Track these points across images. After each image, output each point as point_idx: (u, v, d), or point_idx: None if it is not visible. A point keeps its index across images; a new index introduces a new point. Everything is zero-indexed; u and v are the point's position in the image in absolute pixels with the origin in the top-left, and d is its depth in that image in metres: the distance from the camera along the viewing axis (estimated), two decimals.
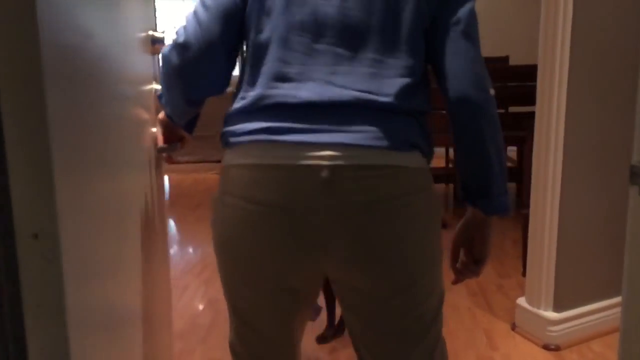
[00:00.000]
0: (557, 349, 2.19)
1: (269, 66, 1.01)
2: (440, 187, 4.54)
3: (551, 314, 2.22)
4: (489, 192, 1.07)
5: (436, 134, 4.33)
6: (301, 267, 1.03)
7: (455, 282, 1.16)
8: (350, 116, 0.98)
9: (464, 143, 1.05)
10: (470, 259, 1.13)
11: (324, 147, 0.96)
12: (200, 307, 2.57)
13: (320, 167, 0.95)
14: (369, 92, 0.98)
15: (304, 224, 0.97)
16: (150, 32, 1.30)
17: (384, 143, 0.97)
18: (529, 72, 3.41)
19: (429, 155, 1.05)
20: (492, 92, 1.03)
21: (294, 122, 0.97)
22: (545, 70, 2.13)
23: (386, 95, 0.99)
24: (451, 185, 4.50)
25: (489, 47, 5.21)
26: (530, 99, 2.42)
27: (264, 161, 0.98)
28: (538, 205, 2.20)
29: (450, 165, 4.36)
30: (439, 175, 4.39)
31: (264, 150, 0.98)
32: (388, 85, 0.99)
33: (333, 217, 0.96)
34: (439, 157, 5.36)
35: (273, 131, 0.98)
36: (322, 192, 0.96)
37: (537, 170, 2.19)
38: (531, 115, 2.25)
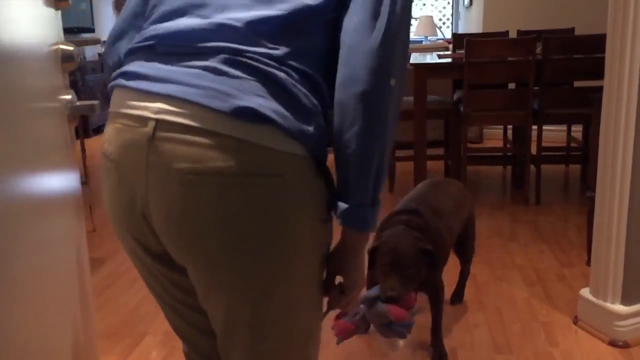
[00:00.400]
0: (625, 345, 1.99)
1: (155, 5, 0.95)
2: (497, 169, 4.31)
3: (619, 307, 2.02)
4: (349, 196, 0.87)
5: (489, 112, 4.11)
6: (148, 236, 0.90)
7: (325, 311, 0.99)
8: (196, 60, 0.84)
9: (336, 127, 0.86)
10: (338, 288, 0.95)
11: (156, 97, 0.84)
12: None
13: (146, 120, 0.84)
14: (227, 20, 0.84)
15: (131, 183, 0.86)
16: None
17: (223, 105, 0.80)
18: (597, 43, 3.15)
19: (301, 137, 0.82)
20: (392, 82, 0.84)
21: (144, 65, 0.88)
22: (614, 40, 1.91)
23: (239, 20, 0.83)
24: (509, 168, 4.27)
25: (552, 19, 4.93)
26: (598, 73, 2.21)
27: (111, 109, 0.91)
28: (605, 187, 2.00)
29: (508, 146, 4.13)
30: (496, 157, 4.17)
31: (115, 97, 0.91)
32: (250, 15, 0.84)
33: (153, 181, 0.84)
34: (496, 139, 5.11)
35: (126, 76, 0.89)
36: (147, 149, 0.83)
37: (605, 149, 1.99)
38: (598, 90, 2.05)
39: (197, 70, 0.83)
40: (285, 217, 0.83)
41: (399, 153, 3.89)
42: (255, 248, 0.83)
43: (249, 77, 0.82)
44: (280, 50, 0.83)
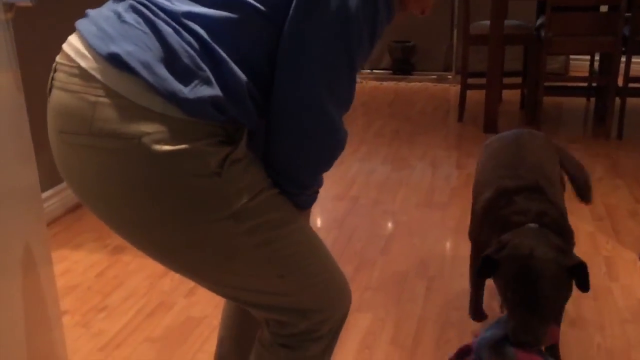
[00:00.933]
0: None
1: None
2: (580, 102, 4.03)
3: None
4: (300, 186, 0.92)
5: (574, 37, 3.78)
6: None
7: None
8: (118, 4, 0.83)
9: (274, 136, 0.87)
10: None
11: (79, 35, 0.83)
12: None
13: (62, 57, 0.84)
14: None
15: (54, 140, 0.86)
16: None
17: (102, 47, 0.78)
18: None
19: (171, 97, 0.75)
20: (344, 129, 0.88)
21: (99, 9, 0.87)
22: None
23: None
24: (593, 100, 3.99)
25: None
26: None
27: None
28: None
29: (594, 75, 3.83)
30: (579, 88, 3.90)
31: None
32: None
33: (53, 136, 0.84)
34: (583, 71, 4.75)
35: (83, 17, 0.87)
36: (50, 105, 0.85)
37: None
38: None
39: (110, 13, 0.82)
40: (142, 184, 0.78)
41: (471, 81, 3.72)
42: (131, 217, 0.81)
43: (137, 25, 0.79)
44: (182, 8, 0.80)
